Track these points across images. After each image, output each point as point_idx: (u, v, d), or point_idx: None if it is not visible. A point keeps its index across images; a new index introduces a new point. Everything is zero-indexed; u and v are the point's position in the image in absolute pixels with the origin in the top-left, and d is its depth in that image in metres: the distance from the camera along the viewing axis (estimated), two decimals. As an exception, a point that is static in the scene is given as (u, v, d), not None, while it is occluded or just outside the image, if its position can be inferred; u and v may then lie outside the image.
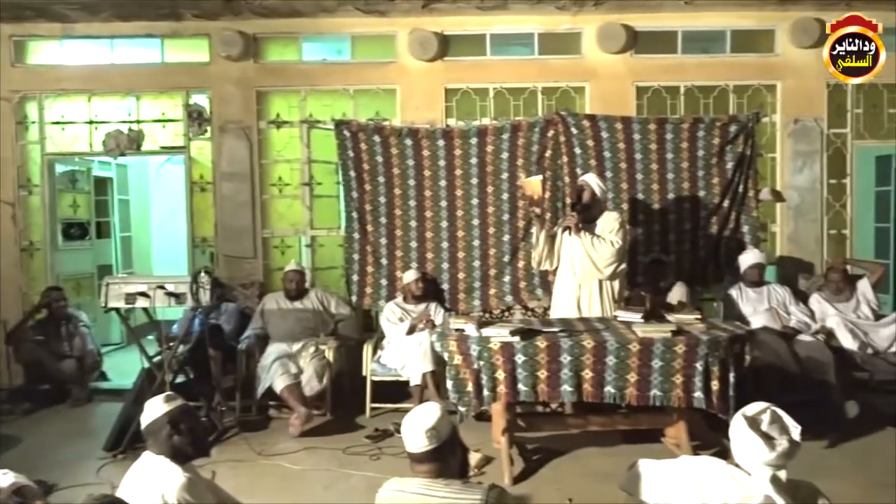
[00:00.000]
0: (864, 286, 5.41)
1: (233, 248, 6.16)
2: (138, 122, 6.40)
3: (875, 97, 6.17)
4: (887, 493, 2.15)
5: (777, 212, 6.15)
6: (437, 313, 5.44)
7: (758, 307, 5.32)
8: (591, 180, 4.68)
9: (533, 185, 4.58)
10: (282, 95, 6.33)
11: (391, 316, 5.46)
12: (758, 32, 6.15)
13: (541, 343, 3.82)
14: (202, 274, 4.42)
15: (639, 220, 5.67)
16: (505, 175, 5.70)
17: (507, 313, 5.70)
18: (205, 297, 4.37)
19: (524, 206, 5.37)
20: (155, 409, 2.42)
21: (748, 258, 5.40)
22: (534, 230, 4.67)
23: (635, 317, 4.25)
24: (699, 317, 4.42)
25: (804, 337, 5.07)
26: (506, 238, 5.72)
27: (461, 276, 5.76)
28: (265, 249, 6.26)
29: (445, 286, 5.69)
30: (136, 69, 6.29)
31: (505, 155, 5.70)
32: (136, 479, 2.36)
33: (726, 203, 5.64)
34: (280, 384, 5.00)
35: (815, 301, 5.40)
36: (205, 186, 6.33)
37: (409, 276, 5.51)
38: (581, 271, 4.53)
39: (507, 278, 5.73)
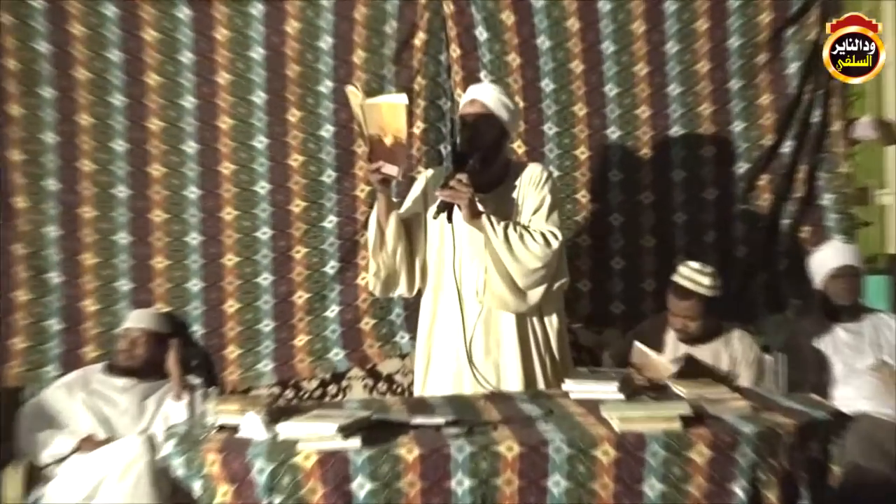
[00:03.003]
0: None
1: None
2: None
3: None
4: None
5: (889, 166, 4.22)
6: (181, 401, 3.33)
7: (853, 361, 3.54)
8: (489, 95, 2.93)
9: (387, 114, 2.71)
10: None
11: (63, 410, 3.26)
12: None
13: (407, 451, 2.43)
14: None
15: (610, 183, 3.69)
16: (326, 88, 3.44)
17: (333, 388, 3.59)
18: None
19: (363, 160, 3.29)
20: None
21: (830, 257, 3.62)
22: (373, 215, 2.86)
23: (605, 389, 2.73)
24: (736, 388, 2.93)
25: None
26: (329, 225, 3.45)
27: (231, 312, 3.47)
28: None
29: (198, 341, 3.52)
30: None
31: (326, 44, 3.42)
32: None
33: (787, 146, 3.63)
34: None
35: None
36: None
37: (136, 321, 3.37)
38: (483, 295, 2.85)
39: (332, 313, 3.51)
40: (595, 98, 3.42)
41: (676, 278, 3.01)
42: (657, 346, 3.18)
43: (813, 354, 3.42)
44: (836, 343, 3.40)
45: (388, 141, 2.58)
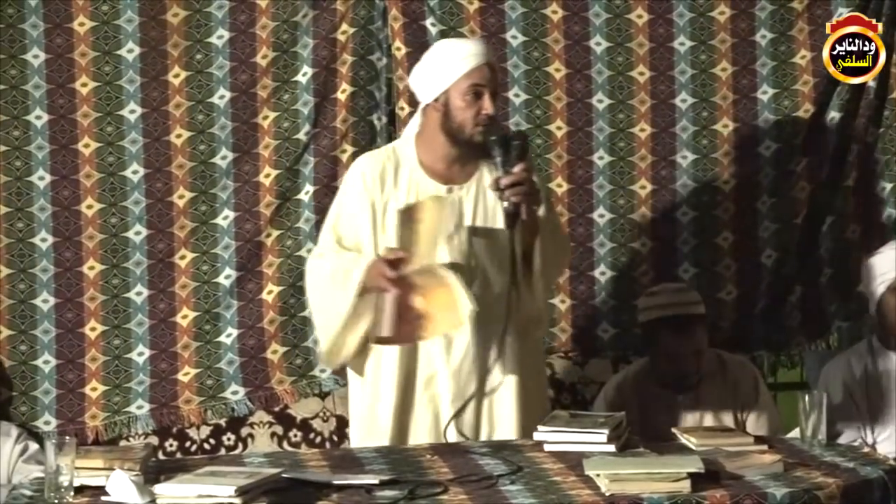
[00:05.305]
0: None
1: None
2: None
3: None
4: None
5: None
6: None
7: (922, 404, 3.19)
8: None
9: (441, 296, 2.32)
10: None
11: None
12: None
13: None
14: None
15: (596, 167, 3.48)
16: (220, 40, 2.99)
17: (230, 438, 3.03)
18: None
19: (269, 135, 3.03)
20: None
21: (888, 265, 3.14)
22: (353, 283, 2.29)
23: (591, 439, 2.40)
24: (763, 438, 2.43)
25: None
26: (223, 222, 2.98)
27: (93, 337, 3.08)
28: None
29: (45, 378, 3.00)
30: None
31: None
32: None
33: (832, 119, 3.26)
34: None
35: None
36: None
37: None
38: (489, 317, 2.42)
39: (228, 338, 2.96)
40: (577, 55, 2.98)
41: (669, 311, 2.69)
42: (665, 409, 2.73)
43: (859, 393, 2.91)
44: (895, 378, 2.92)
45: (417, 303, 2.19)
